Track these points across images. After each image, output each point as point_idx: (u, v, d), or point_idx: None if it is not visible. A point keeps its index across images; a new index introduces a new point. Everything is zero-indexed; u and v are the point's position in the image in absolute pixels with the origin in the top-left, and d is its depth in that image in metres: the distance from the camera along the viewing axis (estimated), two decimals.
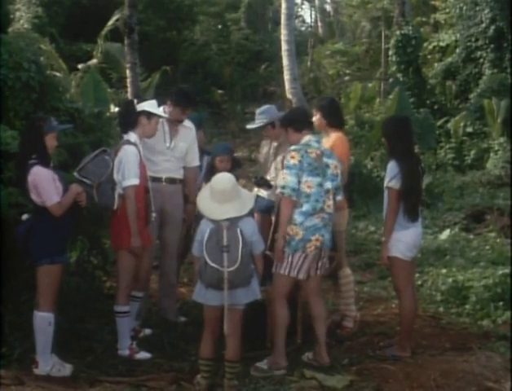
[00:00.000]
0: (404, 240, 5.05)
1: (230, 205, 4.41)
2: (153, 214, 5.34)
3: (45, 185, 4.56)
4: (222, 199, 4.43)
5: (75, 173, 4.96)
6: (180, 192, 5.93)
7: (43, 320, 4.66)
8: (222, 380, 4.57)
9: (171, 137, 5.82)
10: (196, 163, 6.04)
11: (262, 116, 5.97)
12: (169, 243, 5.93)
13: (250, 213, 4.72)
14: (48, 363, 4.70)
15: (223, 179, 4.56)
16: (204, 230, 4.42)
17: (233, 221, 4.39)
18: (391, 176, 5.01)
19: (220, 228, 4.35)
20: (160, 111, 5.46)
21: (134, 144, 5.18)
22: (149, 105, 5.39)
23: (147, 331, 5.64)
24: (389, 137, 5.22)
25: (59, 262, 4.70)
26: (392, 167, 5.03)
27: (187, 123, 5.96)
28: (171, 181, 5.84)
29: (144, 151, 5.52)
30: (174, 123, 5.82)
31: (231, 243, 4.31)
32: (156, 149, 5.71)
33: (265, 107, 6.13)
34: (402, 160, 5.02)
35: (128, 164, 5.06)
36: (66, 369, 4.76)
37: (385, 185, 5.09)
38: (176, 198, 5.89)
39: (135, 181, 5.07)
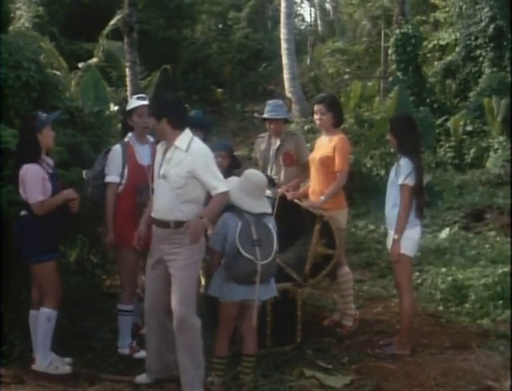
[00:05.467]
0: (412, 238, 5.11)
1: (263, 201, 4.49)
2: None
3: (31, 182, 4.58)
4: (259, 193, 4.48)
5: (84, 175, 5.18)
6: (177, 239, 4.27)
7: (33, 317, 4.73)
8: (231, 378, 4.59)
9: (163, 160, 4.38)
10: (221, 189, 4.27)
11: (282, 108, 6.02)
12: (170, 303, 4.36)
13: None
14: (45, 359, 4.70)
15: (259, 173, 4.69)
16: (228, 224, 4.38)
17: (258, 217, 4.43)
18: (407, 173, 5.01)
19: (247, 222, 4.37)
20: (134, 103, 5.18)
21: (126, 143, 5.18)
22: (129, 105, 5.32)
23: None
24: (398, 134, 5.21)
25: (46, 261, 4.68)
26: (406, 164, 5.03)
27: (181, 143, 4.28)
28: (160, 224, 4.35)
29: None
30: (164, 141, 4.40)
31: (261, 238, 4.35)
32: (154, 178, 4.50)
33: (280, 101, 6.19)
34: (414, 156, 5.06)
35: (110, 162, 5.13)
36: (65, 365, 4.77)
37: (400, 182, 5.04)
38: (169, 246, 4.33)
39: (113, 178, 5.11)
